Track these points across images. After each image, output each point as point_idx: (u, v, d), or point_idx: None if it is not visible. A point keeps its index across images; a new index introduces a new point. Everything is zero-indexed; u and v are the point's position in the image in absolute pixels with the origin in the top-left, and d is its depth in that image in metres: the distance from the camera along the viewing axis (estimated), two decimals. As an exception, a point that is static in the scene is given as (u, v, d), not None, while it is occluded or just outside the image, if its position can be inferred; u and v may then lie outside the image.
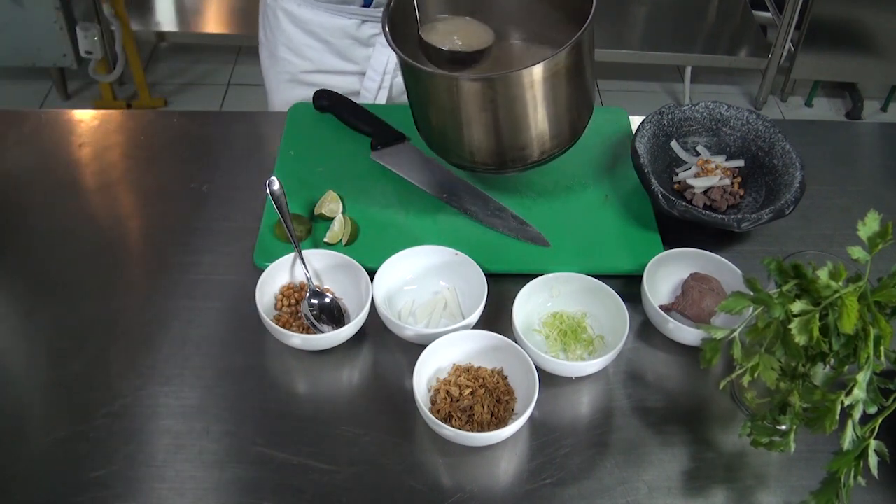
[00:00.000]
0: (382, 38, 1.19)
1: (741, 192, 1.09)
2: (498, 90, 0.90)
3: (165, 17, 2.91)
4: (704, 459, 0.83)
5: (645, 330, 0.95)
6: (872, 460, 0.71)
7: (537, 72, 0.88)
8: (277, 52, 1.23)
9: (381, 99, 1.29)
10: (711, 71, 3.08)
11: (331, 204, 1.03)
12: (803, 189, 1.02)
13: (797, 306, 0.71)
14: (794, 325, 0.70)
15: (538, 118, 0.93)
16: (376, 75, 1.25)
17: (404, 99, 1.35)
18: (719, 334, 0.77)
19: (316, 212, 1.03)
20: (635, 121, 1.22)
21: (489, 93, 0.90)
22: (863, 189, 1.17)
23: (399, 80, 1.30)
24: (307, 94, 1.21)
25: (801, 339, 0.70)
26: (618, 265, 1.00)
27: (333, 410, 0.86)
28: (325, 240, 1.00)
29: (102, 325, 0.93)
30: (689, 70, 2.98)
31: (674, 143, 1.13)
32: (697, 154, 1.13)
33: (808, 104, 3.06)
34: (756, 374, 0.74)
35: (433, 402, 0.84)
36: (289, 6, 1.19)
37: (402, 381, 0.88)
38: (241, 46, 3.11)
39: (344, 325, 0.89)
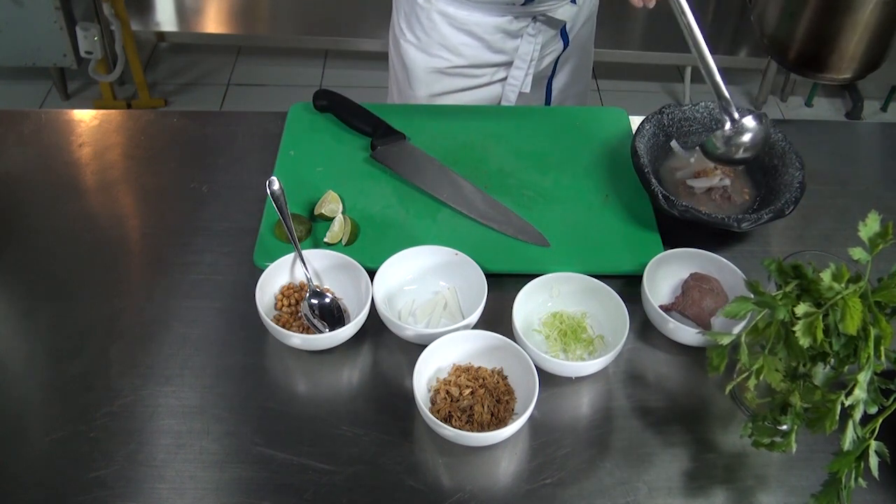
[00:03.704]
0: (530, 29, 1.28)
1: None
2: None
3: (165, 17, 2.91)
4: (704, 460, 0.83)
5: (645, 330, 0.95)
6: (873, 461, 0.71)
7: None
8: (432, 50, 1.31)
9: (526, 87, 1.35)
10: (711, 71, 3.08)
11: (331, 204, 1.03)
12: (803, 189, 1.02)
13: (801, 308, 0.70)
14: (798, 327, 0.70)
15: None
16: (523, 64, 1.32)
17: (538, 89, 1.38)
18: (725, 340, 0.77)
19: (316, 212, 1.03)
20: (635, 121, 1.22)
21: None
22: (863, 189, 1.17)
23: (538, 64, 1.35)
24: (453, 83, 1.33)
25: (804, 341, 0.70)
26: (618, 265, 1.00)
27: (333, 410, 0.86)
28: (325, 240, 1.00)
29: (102, 325, 0.93)
30: (689, 70, 2.98)
31: (674, 143, 1.13)
32: (697, 154, 1.13)
33: (808, 104, 3.06)
34: (761, 377, 0.74)
35: (433, 402, 0.84)
36: (447, 9, 1.27)
37: (402, 381, 0.88)
38: (241, 46, 3.10)
39: (344, 325, 0.89)
